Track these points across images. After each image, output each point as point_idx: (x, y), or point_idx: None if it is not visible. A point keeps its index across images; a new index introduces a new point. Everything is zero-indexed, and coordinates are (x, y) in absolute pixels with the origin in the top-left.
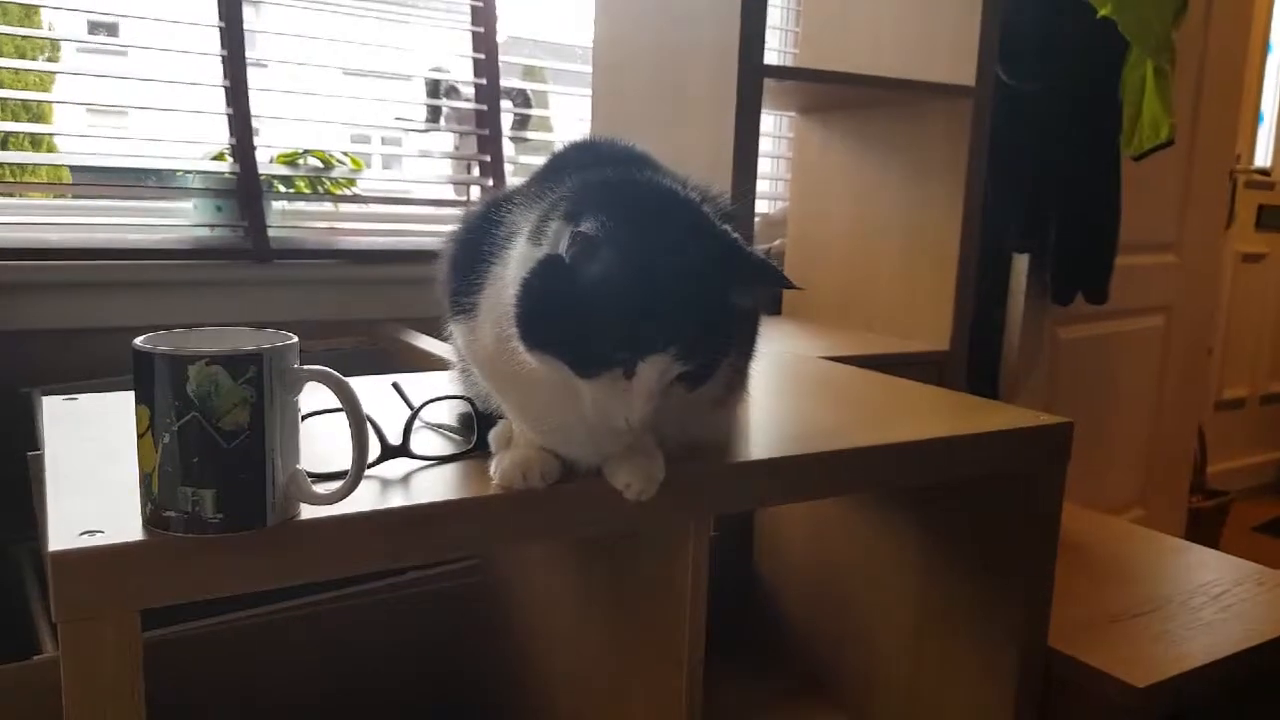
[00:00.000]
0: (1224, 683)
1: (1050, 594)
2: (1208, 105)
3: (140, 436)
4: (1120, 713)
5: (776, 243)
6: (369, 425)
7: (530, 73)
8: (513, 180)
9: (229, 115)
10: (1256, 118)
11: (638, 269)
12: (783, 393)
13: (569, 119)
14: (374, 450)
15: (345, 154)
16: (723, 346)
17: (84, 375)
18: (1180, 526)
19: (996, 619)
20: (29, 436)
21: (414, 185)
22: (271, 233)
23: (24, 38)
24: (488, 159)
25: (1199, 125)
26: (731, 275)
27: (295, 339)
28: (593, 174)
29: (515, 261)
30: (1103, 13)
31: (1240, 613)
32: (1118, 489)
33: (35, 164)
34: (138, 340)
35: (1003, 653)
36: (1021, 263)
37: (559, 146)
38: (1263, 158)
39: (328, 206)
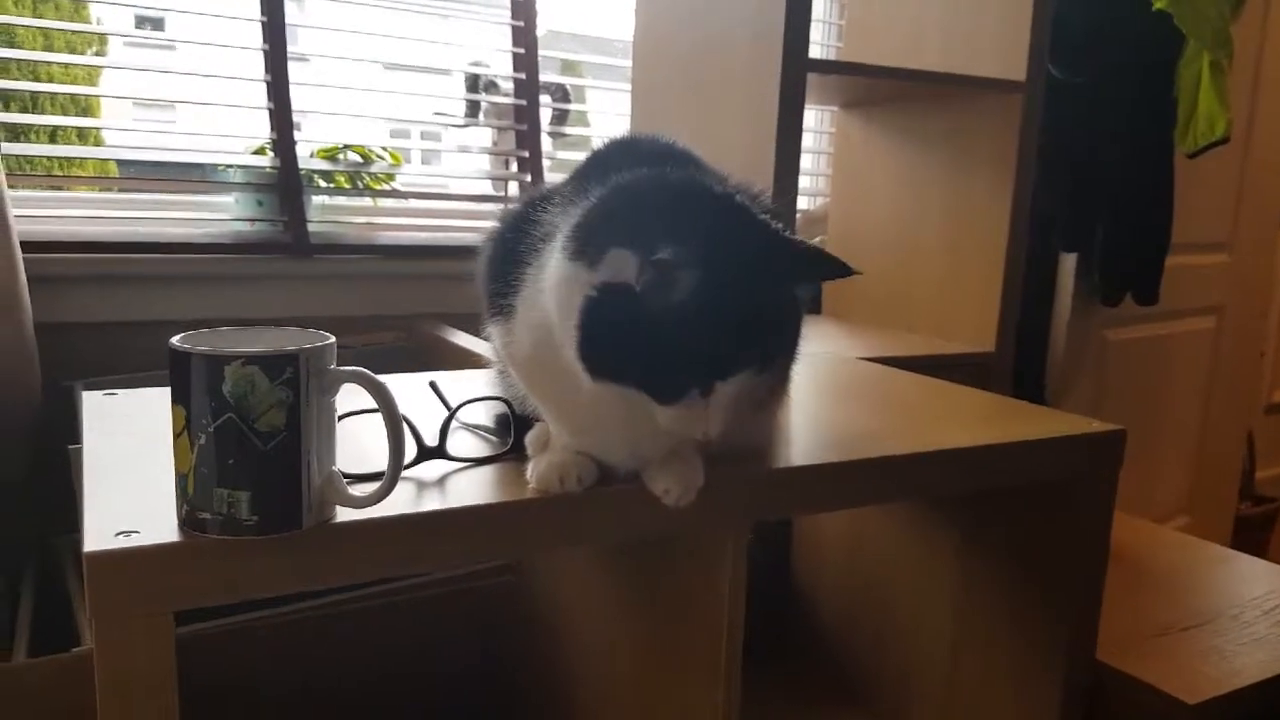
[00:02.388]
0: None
1: (1099, 607)
2: (1265, 100)
3: (176, 436)
4: None
5: (817, 240)
6: (405, 426)
7: (569, 67)
8: (551, 176)
9: (270, 110)
10: None
11: (714, 296)
12: (823, 395)
13: (608, 114)
14: (410, 451)
15: (385, 149)
16: (791, 345)
17: (125, 368)
18: (1228, 534)
19: (1040, 631)
20: (72, 429)
21: (452, 180)
22: (311, 228)
23: (74, 32)
24: (526, 154)
25: (1255, 121)
26: (793, 272)
27: (332, 339)
28: (637, 180)
29: (556, 273)
30: (1158, 5)
31: None
32: (1164, 495)
33: (82, 158)
34: (174, 339)
35: (1047, 666)
36: (1069, 262)
37: (599, 144)
38: None
39: (367, 202)
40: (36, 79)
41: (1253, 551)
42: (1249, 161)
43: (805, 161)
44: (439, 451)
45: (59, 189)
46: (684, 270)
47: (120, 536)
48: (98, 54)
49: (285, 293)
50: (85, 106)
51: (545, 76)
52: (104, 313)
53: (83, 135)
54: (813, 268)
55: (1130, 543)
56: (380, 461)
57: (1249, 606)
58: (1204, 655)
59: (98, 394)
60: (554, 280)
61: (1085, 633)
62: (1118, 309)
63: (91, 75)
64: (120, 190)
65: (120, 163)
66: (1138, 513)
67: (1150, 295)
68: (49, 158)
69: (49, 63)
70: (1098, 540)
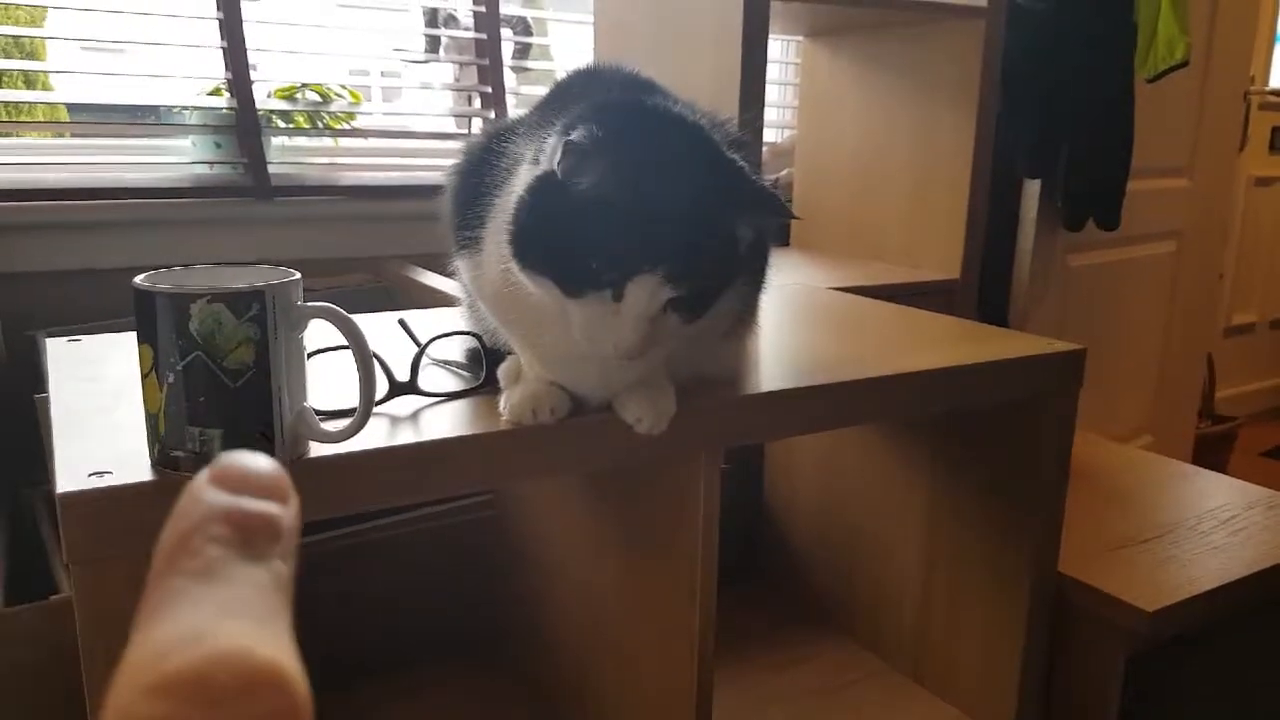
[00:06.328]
0: (1233, 606)
1: (1061, 521)
2: (1222, 25)
3: (144, 377)
4: (1129, 636)
5: (784, 173)
6: (376, 362)
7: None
8: (515, 112)
9: (224, 48)
10: (1272, 38)
11: (628, 184)
12: (792, 324)
13: (571, 47)
14: (382, 387)
15: (343, 87)
16: (720, 275)
17: (88, 317)
18: (1188, 453)
19: (1007, 547)
20: (36, 380)
21: (414, 118)
22: (272, 169)
23: None
24: (489, 90)
25: (1214, 45)
26: (731, 202)
27: (298, 275)
28: (597, 98)
29: (518, 191)
30: None
31: (1250, 537)
32: (1126, 415)
33: (30, 103)
34: (138, 279)
35: (1013, 579)
36: (1032, 189)
37: (563, 74)
38: (1277, 79)
39: (328, 142)
40: None
41: (1213, 470)
42: (1208, 86)
43: (772, 94)
44: (411, 386)
45: (8, 135)
46: (595, 153)
47: (93, 477)
48: None
49: (248, 236)
50: (30, 50)
51: (506, 9)
52: (64, 261)
53: (30, 80)
54: (751, 202)
55: (1093, 461)
56: (353, 398)
57: (1206, 518)
58: (1162, 565)
59: (61, 340)
60: (516, 199)
61: (1048, 547)
62: (1080, 234)
63: (34, 17)
64: (73, 135)
65: (71, 107)
66: (1101, 433)
67: (1112, 220)
68: None
69: None
70: (1060, 457)
